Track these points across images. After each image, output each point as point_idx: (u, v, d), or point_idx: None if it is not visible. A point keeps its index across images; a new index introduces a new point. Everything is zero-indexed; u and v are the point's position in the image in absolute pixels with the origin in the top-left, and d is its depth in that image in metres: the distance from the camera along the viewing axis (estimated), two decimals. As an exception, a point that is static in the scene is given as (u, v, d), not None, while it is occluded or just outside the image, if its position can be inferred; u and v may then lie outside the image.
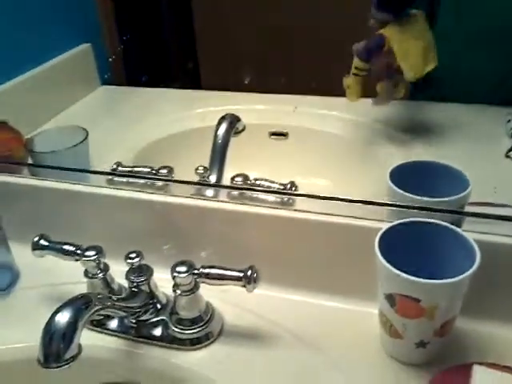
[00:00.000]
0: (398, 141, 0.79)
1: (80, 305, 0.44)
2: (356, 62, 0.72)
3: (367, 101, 0.87)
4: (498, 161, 0.72)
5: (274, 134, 0.90)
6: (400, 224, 0.48)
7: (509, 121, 0.77)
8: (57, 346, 0.41)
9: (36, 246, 0.55)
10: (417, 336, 0.46)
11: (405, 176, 0.55)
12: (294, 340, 0.53)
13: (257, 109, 0.93)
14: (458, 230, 0.47)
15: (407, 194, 0.52)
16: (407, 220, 0.48)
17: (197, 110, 0.90)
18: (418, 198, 0.51)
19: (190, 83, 1.13)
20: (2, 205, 0.61)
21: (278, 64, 1.12)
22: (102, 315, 0.55)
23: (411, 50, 0.69)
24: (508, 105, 0.79)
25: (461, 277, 0.42)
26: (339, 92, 0.89)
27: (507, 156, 0.72)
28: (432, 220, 0.48)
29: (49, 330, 0.42)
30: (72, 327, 0.42)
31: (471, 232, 0.49)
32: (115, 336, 0.55)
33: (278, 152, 0.87)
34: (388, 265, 0.44)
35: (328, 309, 0.56)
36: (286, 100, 0.92)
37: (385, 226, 0.48)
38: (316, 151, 0.85)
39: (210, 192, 0.66)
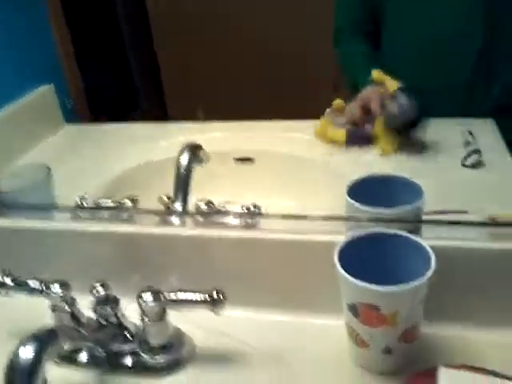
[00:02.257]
0: (359, 158, 0.81)
1: (43, 338, 0.44)
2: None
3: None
4: (455, 170, 0.75)
5: (239, 159, 0.91)
6: (358, 236, 0.49)
7: (462, 132, 0.80)
8: (21, 383, 0.41)
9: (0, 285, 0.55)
10: (382, 343, 0.47)
11: (363, 190, 0.56)
12: (265, 358, 0.53)
13: (221, 136, 0.95)
14: (414, 237, 0.48)
15: (363, 206, 0.53)
16: (364, 232, 0.49)
17: (160, 142, 0.91)
18: (374, 210, 0.53)
19: (155, 115, 1.15)
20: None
21: (241, 91, 1.15)
22: (72, 349, 0.55)
23: None
24: (462, 116, 0.83)
25: (416, 282, 0.43)
26: (298, 115, 0.92)
27: (463, 165, 0.74)
28: (388, 230, 0.49)
29: (12, 366, 0.41)
30: (36, 362, 0.42)
31: (429, 239, 0.51)
32: (86, 369, 0.54)
33: (243, 177, 0.89)
34: (346, 274, 0.45)
35: (296, 325, 0.57)
36: (250, 126, 0.94)
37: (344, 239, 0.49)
38: (279, 174, 0.87)
39: (175, 221, 0.67)
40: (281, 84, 1.14)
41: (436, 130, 0.84)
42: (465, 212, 0.63)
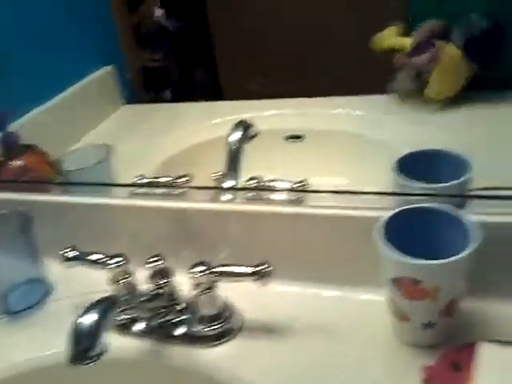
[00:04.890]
0: (411, 131, 0.80)
1: (104, 306, 0.48)
2: None
3: (375, 97, 0.89)
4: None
5: (289, 137, 0.92)
6: (401, 211, 0.50)
7: None
8: (83, 345, 0.45)
9: (65, 258, 0.60)
10: (423, 317, 0.48)
11: (410, 165, 0.56)
12: (310, 331, 0.55)
13: (272, 114, 0.96)
14: (458, 212, 0.48)
15: (408, 181, 0.53)
16: (406, 207, 0.50)
17: (214, 121, 0.94)
18: (419, 185, 0.53)
19: (211, 95, 1.17)
20: (36, 222, 0.66)
21: (292, 68, 1.15)
22: (130, 319, 0.59)
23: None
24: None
25: (457, 257, 0.43)
26: (352, 90, 0.91)
27: None
28: (431, 205, 0.49)
29: (75, 329, 0.46)
30: (97, 327, 0.46)
31: (477, 214, 0.50)
32: (142, 338, 0.58)
33: (294, 155, 0.90)
34: (387, 249, 0.45)
35: (341, 299, 0.58)
36: (301, 103, 0.95)
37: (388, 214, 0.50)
38: (331, 151, 0.87)
39: (227, 197, 0.69)
40: (334, 59, 1.13)
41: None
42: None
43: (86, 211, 0.69)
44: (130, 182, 0.73)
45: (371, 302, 0.56)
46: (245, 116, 0.91)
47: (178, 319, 0.57)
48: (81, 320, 0.46)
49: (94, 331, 0.46)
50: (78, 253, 0.60)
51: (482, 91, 0.73)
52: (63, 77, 0.93)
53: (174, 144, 0.89)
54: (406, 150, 0.61)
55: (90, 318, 0.46)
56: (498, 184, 0.57)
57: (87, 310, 0.47)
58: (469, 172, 0.53)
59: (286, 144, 0.92)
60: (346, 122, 0.89)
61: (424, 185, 0.53)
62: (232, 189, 0.65)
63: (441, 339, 0.50)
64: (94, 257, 0.59)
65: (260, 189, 0.65)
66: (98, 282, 0.60)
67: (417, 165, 0.56)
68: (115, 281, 0.58)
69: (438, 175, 0.55)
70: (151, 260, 0.56)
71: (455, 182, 0.52)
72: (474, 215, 0.49)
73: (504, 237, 0.51)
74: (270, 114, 0.95)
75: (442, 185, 0.53)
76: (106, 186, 0.71)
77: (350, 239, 0.57)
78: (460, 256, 0.44)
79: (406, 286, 0.46)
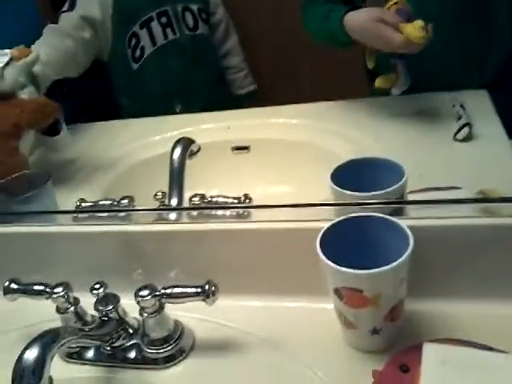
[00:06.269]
0: (352, 139, 0.82)
1: (47, 339, 0.47)
2: None
3: (321, 104, 0.91)
4: (447, 144, 0.75)
5: (236, 148, 0.93)
6: (339, 221, 0.51)
7: (454, 105, 0.81)
8: (27, 382, 0.44)
9: (7, 290, 0.58)
10: (369, 324, 0.49)
11: (347, 174, 0.58)
12: (263, 344, 0.55)
13: (217, 127, 0.96)
14: (391, 218, 0.50)
15: (345, 191, 0.54)
16: (343, 217, 0.51)
17: (155, 137, 0.93)
18: (355, 194, 0.54)
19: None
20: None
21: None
22: (79, 347, 0.58)
23: None
24: (451, 90, 0.83)
25: (393, 264, 0.45)
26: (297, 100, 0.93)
27: (455, 139, 0.75)
28: (367, 213, 0.51)
29: (18, 367, 0.44)
30: (40, 362, 0.45)
31: (410, 219, 0.52)
32: (92, 365, 0.57)
33: (241, 165, 0.90)
34: (327, 260, 0.46)
35: (291, 310, 0.59)
36: (244, 114, 0.96)
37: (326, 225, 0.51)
38: (278, 160, 0.88)
39: (172, 216, 0.69)
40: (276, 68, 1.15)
41: (428, 103, 0.84)
42: (458, 188, 0.64)
43: (26, 240, 0.67)
44: (70, 206, 0.71)
45: (322, 311, 0.56)
46: (185, 130, 0.92)
47: (128, 344, 0.57)
48: (22, 356, 0.45)
49: (36, 368, 0.45)
50: (19, 285, 0.58)
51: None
52: None
53: (115, 164, 0.88)
54: (349, 157, 0.63)
55: (32, 355, 0.45)
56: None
57: (29, 346, 0.46)
58: (402, 179, 0.55)
59: (232, 155, 0.92)
60: (288, 130, 0.90)
61: (360, 193, 0.54)
62: (175, 209, 0.65)
63: (388, 343, 0.51)
64: (36, 287, 0.58)
65: (203, 207, 0.65)
66: (43, 312, 0.58)
67: (353, 173, 0.57)
68: (61, 310, 0.57)
69: (374, 182, 0.56)
70: (95, 287, 0.55)
71: (389, 189, 0.54)
72: (408, 220, 0.51)
73: (441, 238, 0.53)
74: (212, 127, 0.95)
75: (375, 193, 0.54)
76: (49, 213, 0.69)
77: (296, 250, 0.58)
78: (397, 263, 0.45)
79: (348, 296, 0.47)
